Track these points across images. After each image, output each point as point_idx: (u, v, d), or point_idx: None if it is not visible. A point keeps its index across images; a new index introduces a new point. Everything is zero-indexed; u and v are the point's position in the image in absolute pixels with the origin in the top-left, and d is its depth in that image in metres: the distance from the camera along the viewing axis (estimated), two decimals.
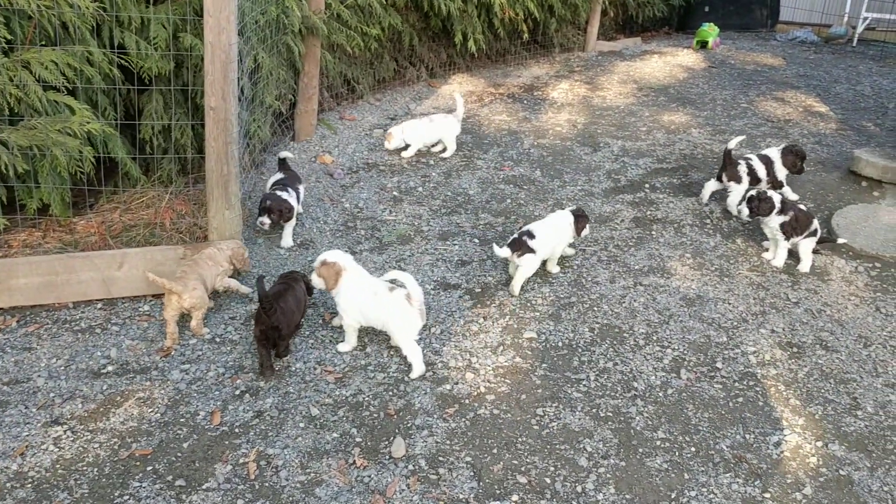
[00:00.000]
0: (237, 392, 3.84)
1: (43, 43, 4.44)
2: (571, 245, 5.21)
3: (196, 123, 5.20)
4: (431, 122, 6.76)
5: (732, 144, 5.87)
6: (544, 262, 4.95)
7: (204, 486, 3.27)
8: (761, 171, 5.88)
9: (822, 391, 4.07)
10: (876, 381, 4.17)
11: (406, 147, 6.78)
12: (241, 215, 4.84)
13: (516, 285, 4.75)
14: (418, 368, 4.00)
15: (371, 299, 4.05)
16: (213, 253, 4.45)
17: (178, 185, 5.33)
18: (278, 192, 5.16)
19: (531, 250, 4.70)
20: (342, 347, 4.19)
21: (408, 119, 6.97)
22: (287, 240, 5.20)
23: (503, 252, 4.71)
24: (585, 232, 4.97)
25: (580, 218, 4.94)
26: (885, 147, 6.98)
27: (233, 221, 4.70)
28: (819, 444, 3.71)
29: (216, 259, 4.44)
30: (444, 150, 6.82)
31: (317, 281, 4.14)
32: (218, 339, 4.27)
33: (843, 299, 4.91)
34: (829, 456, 3.64)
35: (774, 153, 5.98)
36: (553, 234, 4.85)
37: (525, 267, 4.73)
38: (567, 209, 5.04)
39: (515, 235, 4.79)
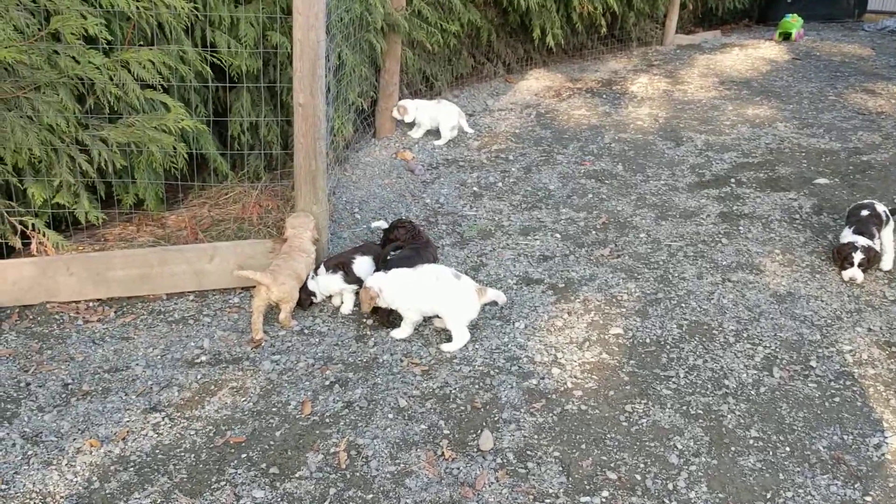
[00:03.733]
0: (327, 382, 3.91)
1: (140, 43, 4.59)
2: None
3: (282, 120, 5.31)
4: (438, 105, 6.92)
5: None
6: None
7: (297, 475, 3.33)
8: None
9: None
10: None
11: (414, 126, 6.95)
12: (328, 210, 4.91)
13: None
14: (458, 344, 4.15)
15: (433, 284, 4.14)
16: (303, 244, 4.53)
17: (265, 181, 5.45)
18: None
19: None
20: (399, 334, 4.28)
21: (420, 99, 7.01)
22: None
23: None
24: None
25: None
26: None
27: (320, 216, 4.78)
28: None
29: (307, 249, 4.53)
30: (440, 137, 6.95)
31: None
32: (307, 331, 4.35)
33: None
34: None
35: None
36: None
37: None
38: None
39: None
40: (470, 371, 3.99)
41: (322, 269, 4.48)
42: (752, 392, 3.88)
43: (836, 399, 3.85)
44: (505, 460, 3.42)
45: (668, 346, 4.20)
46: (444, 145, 6.83)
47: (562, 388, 3.87)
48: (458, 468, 3.37)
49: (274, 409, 3.72)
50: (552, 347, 4.18)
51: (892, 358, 4.14)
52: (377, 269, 4.43)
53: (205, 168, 5.28)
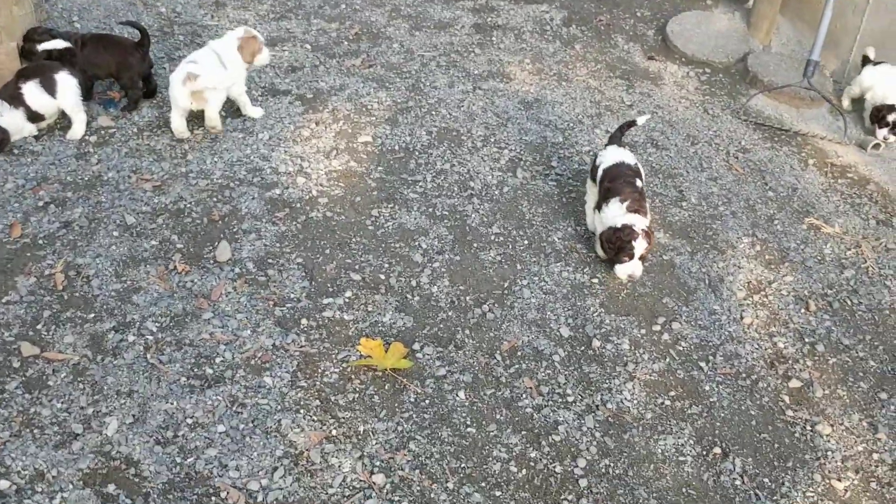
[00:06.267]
0: (40, 203, 3.48)
1: None
2: None
3: None
4: None
5: None
6: None
7: (4, 300, 2.98)
8: None
9: (652, 185, 4.17)
10: (700, 176, 4.32)
11: None
12: (33, 13, 4.24)
13: None
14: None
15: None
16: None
17: None
18: None
19: None
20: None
21: None
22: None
23: None
24: None
25: None
26: None
27: (23, 20, 4.11)
28: None
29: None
30: None
31: None
32: (17, 151, 3.81)
33: (674, 102, 4.99)
34: (656, 243, 3.77)
35: None
36: None
37: None
38: None
39: None
40: (207, 185, 3.72)
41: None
42: (497, 192, 3.95)
43: (573, 195, 4.01)
44: (244, 270, 3.27)
45: (416, 153, 4.15)
46: None
47: (307, 197, 3.72)
48: (193, 281, 3.18)
49: None
50: (298, 157, 3.98)
51: None
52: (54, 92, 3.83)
53: None
